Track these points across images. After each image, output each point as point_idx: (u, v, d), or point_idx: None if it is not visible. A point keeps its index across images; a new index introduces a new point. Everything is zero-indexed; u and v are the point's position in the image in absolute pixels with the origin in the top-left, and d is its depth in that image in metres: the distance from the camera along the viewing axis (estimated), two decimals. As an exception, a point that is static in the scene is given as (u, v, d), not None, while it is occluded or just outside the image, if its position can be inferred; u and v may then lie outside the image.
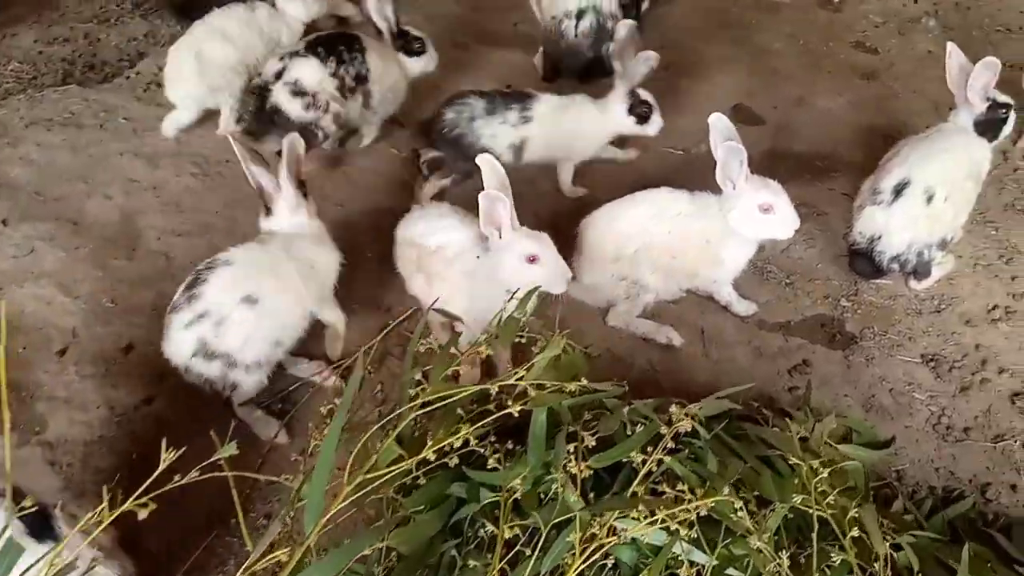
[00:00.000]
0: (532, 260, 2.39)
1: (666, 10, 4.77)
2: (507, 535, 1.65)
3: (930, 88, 4.09)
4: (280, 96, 3.29)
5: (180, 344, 2.38)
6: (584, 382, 1.86)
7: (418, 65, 3.62)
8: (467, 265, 2.57)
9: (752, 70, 4.23)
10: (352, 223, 3.26)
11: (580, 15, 3.90)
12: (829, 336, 2.86)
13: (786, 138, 3.74)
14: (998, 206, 3.39)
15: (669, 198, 2.70)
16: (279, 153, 2.57)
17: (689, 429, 1.84)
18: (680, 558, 1.63)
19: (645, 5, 4.47)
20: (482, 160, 2.44)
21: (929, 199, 2.73)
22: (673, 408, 1.90)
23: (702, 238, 2.65)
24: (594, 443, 1.77)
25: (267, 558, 1.57)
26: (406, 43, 3.57)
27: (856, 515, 1.80)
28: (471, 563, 1.71)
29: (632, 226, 2.68)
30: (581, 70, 4.07)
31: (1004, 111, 2.96)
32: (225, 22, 3.59)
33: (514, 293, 2.17)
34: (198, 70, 3.49)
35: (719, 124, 2.57)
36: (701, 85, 4.12)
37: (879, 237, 2.80)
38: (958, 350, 2.81)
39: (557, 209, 3.35)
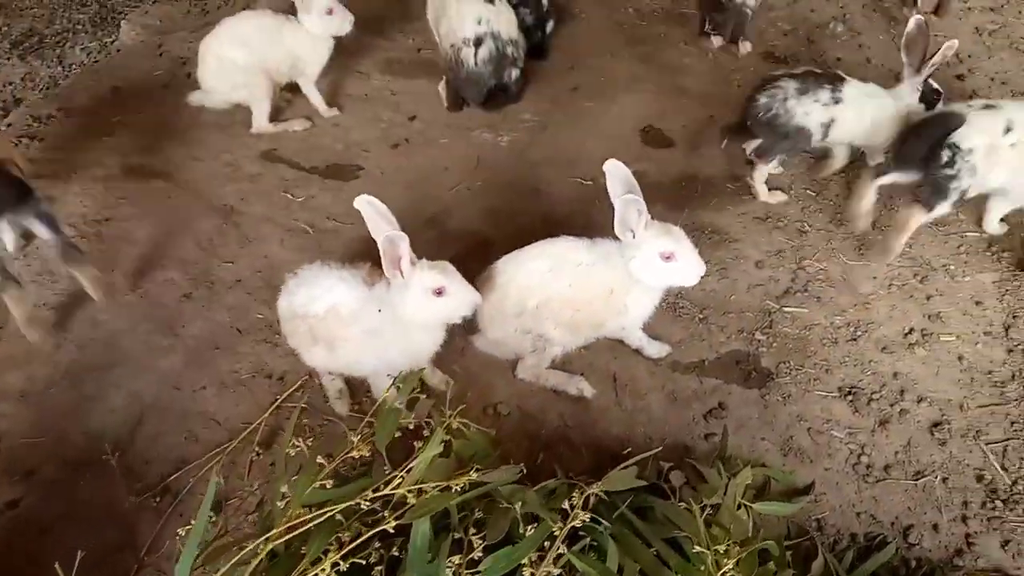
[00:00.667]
0: (439, 292, 2.29)
1: (573, 28, 4.65)
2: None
3: (840, 98, 4.03)
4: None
5: None
6: (474, 476, 1.71)
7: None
8: (368, 320, 2.40)
9: (661, 88, 4.13)
10: (244, 281, 3.06)
11: (478, 43, 3.75)
12: (745, 374, 2.76)
13: (696, 161, 3.64)
14: (910, 222, 3.33)
15: (568, 248, 2.56)
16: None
17: (588, 520, 1.69)
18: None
19: (550, 26, 4.35)
20: (361, 202, 2.29)
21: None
22: (574, 495, 1.76)
23: (605, 288, 2.52)
24: (481, 553, 1.61)
25: None
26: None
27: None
28: None
29: (531, 280, 2.54)
30: (484, 98, 3.92)
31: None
32: (245, 27, 3.68)
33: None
34: (215, 69, 3.65)
35: (616, 172, 2.44)
36: (610, 107, 4.00)
37: None
38: (876, 380, 2.73)
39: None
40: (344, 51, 4.31)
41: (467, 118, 3.96)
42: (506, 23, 3.81)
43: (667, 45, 4.50)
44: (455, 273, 2.35)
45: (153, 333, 2.84)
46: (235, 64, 3.61)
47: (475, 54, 3.76)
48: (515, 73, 3.91)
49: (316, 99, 3.87)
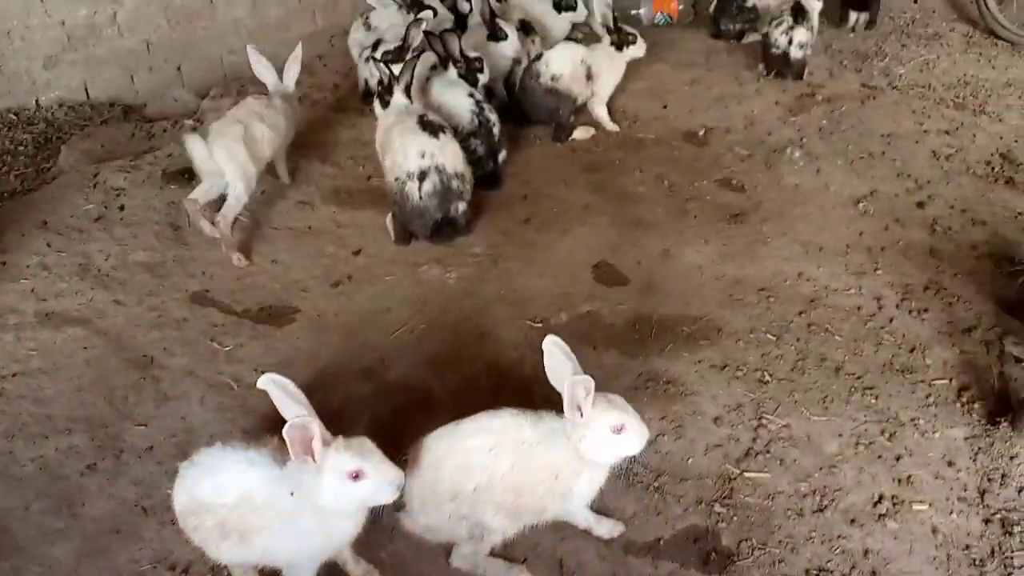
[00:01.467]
0: (356, 476, 2.05)
1: (526, 155, 4.56)
2: None
3: (800, 229, 3.93)
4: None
5: None
6: None
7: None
8: (283, 505, 2.15)
9: (616, 219, 4.00)
10: (156, 448, 2.80)
11: (422, 177, 3.63)
12: (703, 555, 2.51)
13: (651, 300, 3.48)
14: (875, 366, 3.17)
15: (511, 424, 2.33)
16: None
17: None
18: None
19: (503, 155, 4.24)
20: (265, 381, 2.07)
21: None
22: None
23: (551, 472, 2.29)
24: None
25: None
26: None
27: None
28: None
29: (469, 459, 2.30)
30: (431, 231, 3.76)
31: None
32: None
33: None
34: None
35: (554, 350, 2.26)
36: (563, 240, 3.85)
37: None
38: (845, 560, 2.49)
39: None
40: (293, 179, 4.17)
41: (415, 252, 3.79)
42: (451, 156, 3.70)
43: (622, 172, 4.41)
44: (374, 452, 2.12)
45: (48, 514, 2.55)
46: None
47: (419, 188, 3.63)
48: (462, 207, 3.77)
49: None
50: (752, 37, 5.86)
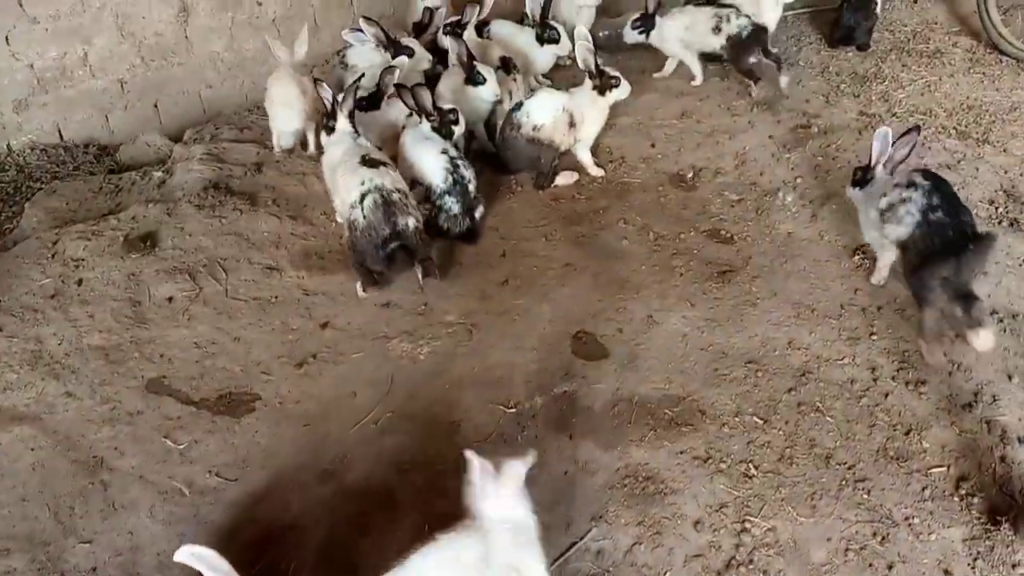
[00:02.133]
0: None
1: (507, 205, 4.37)
2: None
3: (792, 288, 3.73)
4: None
5: None
6: None
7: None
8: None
9: (598, 279, 3.81)
10: (99, 571, 2.64)
11: (363, 197, 3.58)
12: None
13: (632, 377, 3.29)
14: (868, 453, 2.98)
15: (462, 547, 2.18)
16: None
17: None
18: None
19: (479, 211, 4.06)
20: (183, 555, 1.91)
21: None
22: None
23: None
24: None
25: None
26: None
27: None
28: None
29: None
30: (386, 254, 3.60)
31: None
32: None
33: None
34: None
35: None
36: (542, 306, 3.67)
37: None
38: None
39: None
40: (257, 242, 4.00)
41: (386, 323, 3.62)
42: (390, 180, 3.66)
43: (605, 223, 4.21)
44: None
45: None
46: None
47: (362, 208, 3.57)
48: (410, 222, 3.61)
49: None
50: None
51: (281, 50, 4.58)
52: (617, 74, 4.34)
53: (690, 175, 4.57)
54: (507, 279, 3.83)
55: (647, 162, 4.71)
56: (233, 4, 5.72)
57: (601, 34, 6.44)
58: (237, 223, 4.09)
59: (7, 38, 5.12)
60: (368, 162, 3.71)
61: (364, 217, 3.56)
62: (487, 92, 4.57)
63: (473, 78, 4.56)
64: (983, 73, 5.67)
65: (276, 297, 3.72)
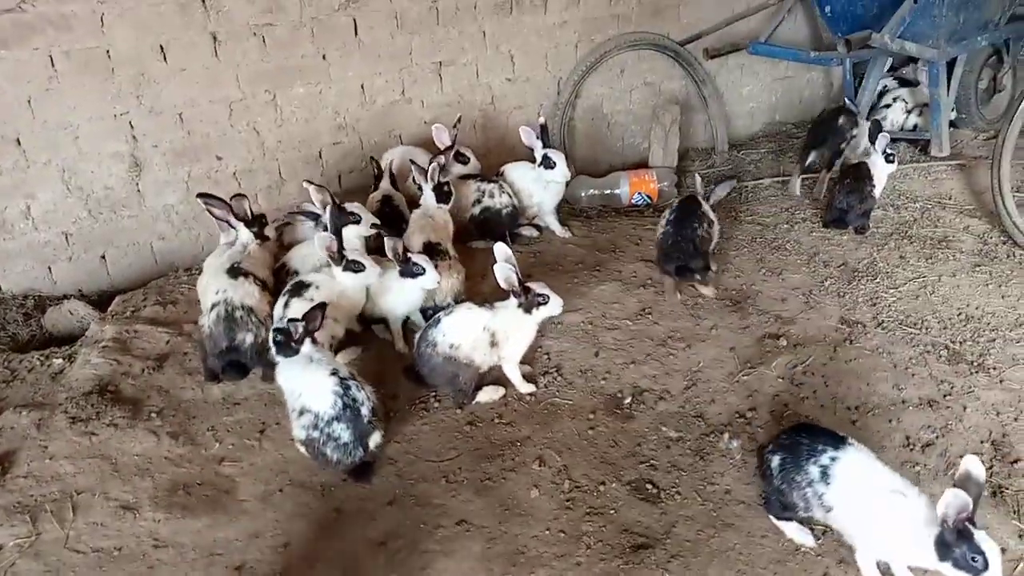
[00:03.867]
0: None
1: (417, 428, 3.92)
2: None
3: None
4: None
5: None
6: None
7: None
8: None
9: (492, 547, 3.29)
10: None
11: (212, 308, 3.97)
12: None
13: None
14: None
15: None
16: None
17: None
18: None
19: (375, 439, 3.61)
20: None
21: None
22: None
23: None
24: None
25: None
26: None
27: None
28: None
29: None
30: (221, 361, 4.02)
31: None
32: None
33: None
34: None
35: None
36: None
37: None
38: None
39: None
40: (124, 468, 3.59)
41: (235, 590, 3.14)
42: (242, 294, 4.00)
43: (519, 463, 3.71)
44: None
45: None
46: None
47: (209, 318, 3.96)
48: (248, 339, 3.96)
49: None
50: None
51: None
52: (545, 291, 3.89)
53: (629, 400, 4.06)
54: (386, 540, 3.33)
55: (586, 377, 4.22)
56: (190, 159, 5.52)
57: (584, 194, 6.09)
58: (108, 443, 3.71)
59: (-59, 190, 4.95)
60: (232, 271, 4.10)
61: (208, 327, 3.96)
62: (427, 281, 4.21)
63: (410, 270, 4.20)
64: (989, 272, 5.11)
65: (120, 549, 3.28)
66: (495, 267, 3.80)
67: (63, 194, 5.24)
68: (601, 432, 3.87)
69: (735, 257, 5.30)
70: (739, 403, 4.04)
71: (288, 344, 3.54)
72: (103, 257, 5.50)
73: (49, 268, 5.38)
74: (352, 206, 4.65)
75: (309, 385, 3.54)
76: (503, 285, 3.85)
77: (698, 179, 5.03)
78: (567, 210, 6.00)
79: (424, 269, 4.17)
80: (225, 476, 3.63)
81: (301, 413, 3.53)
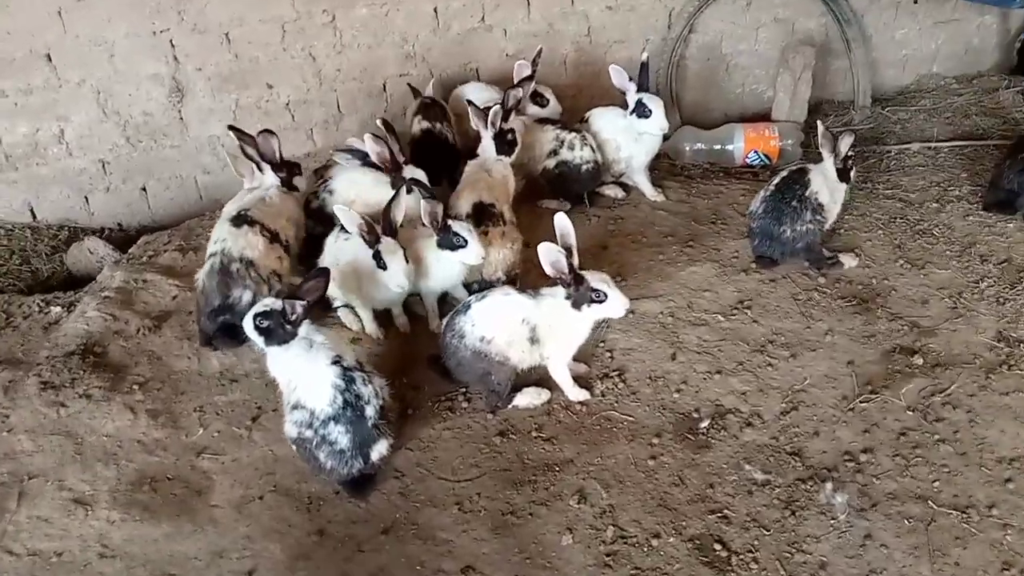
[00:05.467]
0: None
1: (436, 434, 3.24)
2: None
3: None
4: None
5: None
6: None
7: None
8: None
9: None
10: None
11: (209, 259, 3.39)
12: None
13: None
14: None
15: None
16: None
17: None
18: None
19: (380, 449, 2.94)
20: None
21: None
22: None
23: None
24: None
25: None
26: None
27: None
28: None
29: None
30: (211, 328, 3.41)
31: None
32: None
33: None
34: None
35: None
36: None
37: None
38: None
39: None
40: (88, 450, 3.05)
41: None
42: (242, 245, 3.37)
43: (553, 495, 2.98)
44: None
45: None
46: None
47: (203, 271, 3.39)
48: (245, 296, 3.32)
49: None
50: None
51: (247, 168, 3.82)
52: (603, 286, 3.04)
53: (706, 423, 3.20)
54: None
55: (655, 386, 3.37)
56: (238, 85, 4.90)
57: (688, 148, 5.14)
58: (77, 418, 3.17)
59: (-30, 110, 4.54)
60: (236, 218, 3.46)
61: (203, 281, 3.39)
62: (471, 255, 3.44)
63: (450, 241, 3.43)
64: None
65: (60, 555, 2.73)
66: (539, 247, 2.97)
67: (98, 118, 4.75)
68: (664, 464, 3.03)
69: (866, 240, 4.24)
70: (851, 440, 3.11)
71: (278, 330, 2.84)
72: (143, 189, 5.03)
73: (86, 198, 4.95)
74: (413, 171, 3.91)
75: (306, 375, 2.87)
76: (548, 270, 3.02)
77: (820, 126, 3.98)
78: (665, 167, 5.05)
79: (466, 241, 3.38)
80: (201, 472, 3.03)
81: (295, 408, 2.86)
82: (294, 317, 2.82)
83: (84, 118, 4.73)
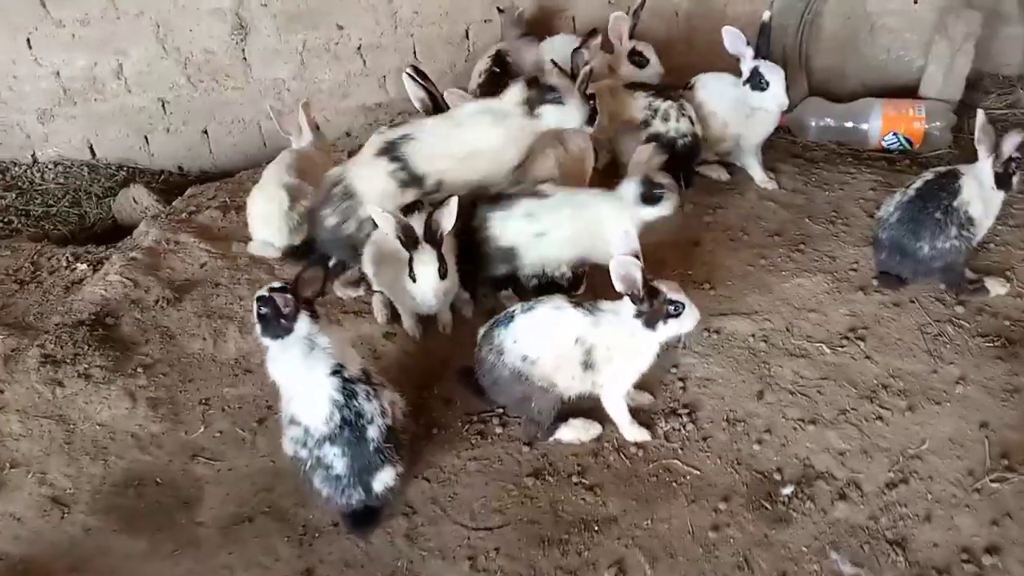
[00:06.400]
0: None
1: (458, 465, 2.78)
2: None
3: None
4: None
5: None
6: None
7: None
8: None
9: None
10: None
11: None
12: None
13: None
14: None
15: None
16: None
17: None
18: None
19: (386, 478, 2.51)
20: None
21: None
22: None
23: None
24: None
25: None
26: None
27: None
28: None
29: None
30: None
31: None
32: None
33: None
34: None
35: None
36: None
37: None
38: None
39: None
40: (75, 442, 2.76)
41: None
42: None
43: (585, 564, 2.44)
44: None
45: None
46: None
47: None
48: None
49: None
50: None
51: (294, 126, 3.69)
52: (680, 295, 2.44)
53: (789, 489, 2.58)
54: None
55: (732, 432, 2.78)
56: (305, 25, 4.48)
57: (815, 124, 4.41)
58: (73, 400, 2.87)
59: (28, 40, 4.30)
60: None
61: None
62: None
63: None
64: None
65: (28, 564, 2.44)
66: (612, 262, 2.40)
67: (158, 54, 4.48)
68: (729, 538, 2.46)
69: (1022, 262, 3.43)
70: (974, 532, 2.44)
71: (273, 321, 2.41)
72: (205, 132, 4.75)
73: (146, 138, 4.72)
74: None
75: (301, 385, 2.43)
76: (618, 286, 2.45)
77: (980, 117, 3.17)
78: (782, 145, 4.32)
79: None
80: (193, 478, 2.68)
81: (291, 422, 2.44)
82: (287, 311, 2.38)
83: (143, 53, 4.50)
